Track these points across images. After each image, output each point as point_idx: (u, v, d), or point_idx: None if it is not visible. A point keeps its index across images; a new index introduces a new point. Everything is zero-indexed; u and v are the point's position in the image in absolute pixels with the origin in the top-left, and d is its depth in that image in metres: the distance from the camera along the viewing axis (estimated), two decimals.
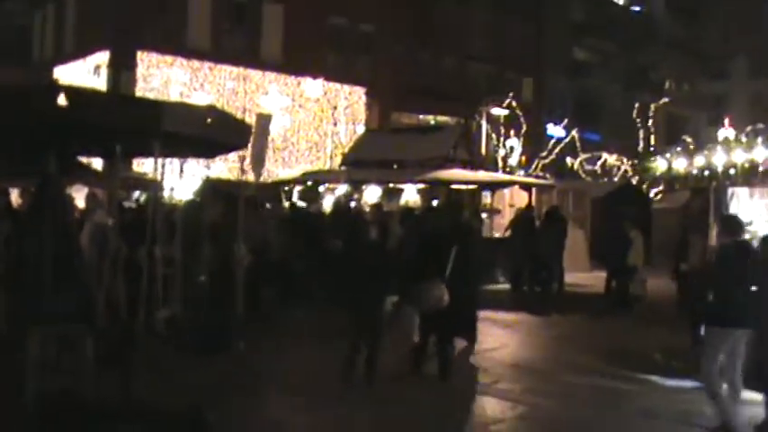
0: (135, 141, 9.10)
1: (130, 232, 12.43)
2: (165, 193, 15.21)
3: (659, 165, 51.42)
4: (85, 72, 37.29)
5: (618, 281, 21.08)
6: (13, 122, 7.98)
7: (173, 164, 13.73)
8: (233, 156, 22.45)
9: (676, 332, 14.83)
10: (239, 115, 32.19)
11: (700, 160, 49.53)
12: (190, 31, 37.69)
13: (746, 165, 45.28)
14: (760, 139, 46.02)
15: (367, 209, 21.69)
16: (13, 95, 7.95)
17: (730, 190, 16.15)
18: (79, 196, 16.29)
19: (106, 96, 14.38)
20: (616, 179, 46.79)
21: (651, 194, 44.10)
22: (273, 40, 40.10)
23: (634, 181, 47.56)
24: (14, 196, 15.41)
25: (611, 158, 49.25)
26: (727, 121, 54.72)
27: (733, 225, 10.11)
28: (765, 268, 9.94)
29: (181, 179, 16.25)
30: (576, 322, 18.94)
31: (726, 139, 51.68)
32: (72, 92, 7.64)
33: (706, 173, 48.13)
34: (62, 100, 7.22)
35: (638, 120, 51.50)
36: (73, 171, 14.52)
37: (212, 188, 20.44)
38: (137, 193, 25.69)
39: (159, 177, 10.73)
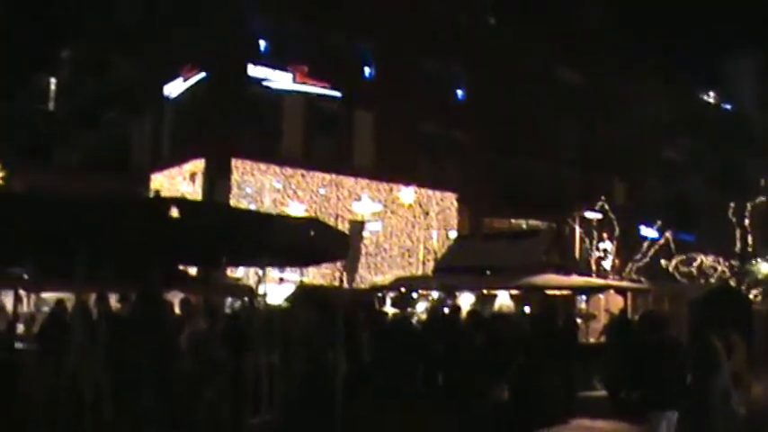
0: (241, 252, 9.23)
1: (228, 339, 12.50)
2: (260, 300, 15.30)
3: (761, 267, 50.19)
4: (181, 179, 38.13)
5: None
6: (125, 233, 8.15)
7: (268, 270, 13.84)
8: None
9: None
10: (332, 221, 32.61)
11: None
12: (283, 139, 38.34)
13: None
14: None
15: (463, 315, 21.51)
16: (127, 207, 8.14)
17: None
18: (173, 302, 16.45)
19: (218, 209, 14.64)
20: (713, 281, 45.74)
21: (751, 296, 42.95)
22: (365, 147, 40.56)
23: (732, 282, 46.46)
24: (113, 301, 15.62)
25: (707, 260, 48.23)
26: None
27: None
28: None
29: (279, 286, 16.38)
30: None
31: None
32: (184, 204, 7.80)
33: None
34: (174, 212, 7.37)
35: (734, 219, 50.51)
36: (172, 278, 14.73)
37: (306, 294, 20.54)
38: (229, 300, 25.89)
39: (255, 285, 10.84)
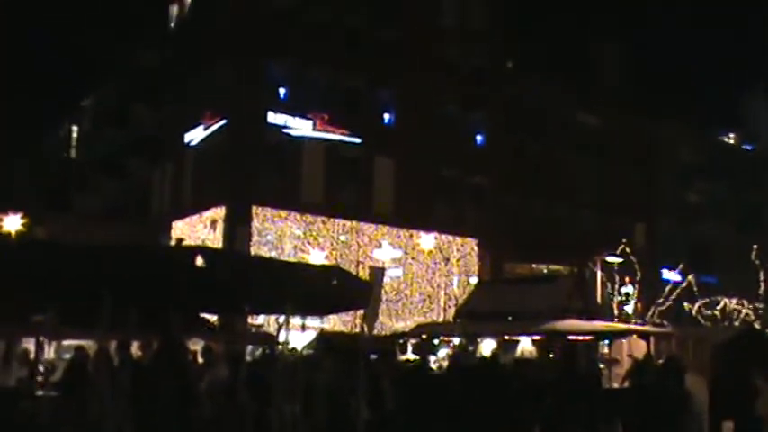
0: (263, 300, 9.25)
1: (250, 386, 12.46)
2: (282, 347, 15.27)
3: None
4: (202, 227, 38.24)
5: None
6: (148, 281, 8.18)
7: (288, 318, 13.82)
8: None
9: None
10: (352, 268, 32.59)
11: None
12: (304, 185, 38.43)
13: None
14: None
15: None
16: (152, 255, 8.18)
17: None
18: (195, 349, 16.44)
19: (240, 257, 14.69)
20: (737, 324, 45.39)
21: None
22: (385, 194, 40.62)
23: (757, 325, 46.08)
24: (134, 349, 15.61)
25: (730, 302, 47.88)
26: None
27: None
28: None
29: (302, 333, 16.33)
30: None
31: None
32: (208, 253, 7.82)
33: None
34: (200, 261, 7.39)
35: (758, 261, 50.19)
36: (193, 325, 14.75)
37: (327, 342, 20.49)
38: (250, 348, 25.84)
39: (276, 332, 10.84)
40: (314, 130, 38.83)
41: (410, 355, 26.77)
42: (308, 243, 37.54)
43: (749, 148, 66.08)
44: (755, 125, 66.99)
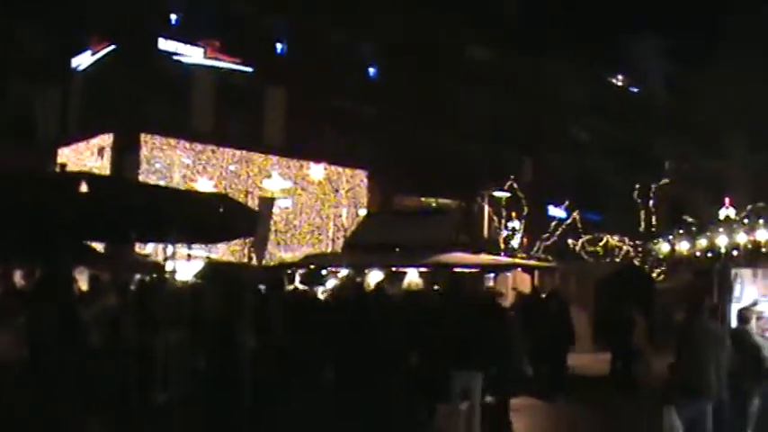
0: (150, 228, 9.21)
1: (136, 315, 12.42)
2: (169, 276, 15.21)
3: (662, 247, 51.36)
4: (89, 154, 37.57)
5: (622, 363, 20.95)
6: (31, 208, 8.07)
7: (175, 246, 13.77)
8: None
9: None
10: (241, 198, 32.46)
11: (702, 242, 49.47)
12: (194, 114, 38.01)
13: (749, 246, 45.25)
14: (762, 221, 46.08)
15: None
16: (34, 181, 8.06)
17: (734, 271, 16.13)
18: (80, 278, 16.26)
19: (127, 185, 14.51)
20: (618, 260, 46.69)
21: (654, 275, 43.92)
22: (276, 124, 40.42)
23: (636, 262, 47.45)
24: (17, 278, 15.38)
25: (612, 239, 49.16)
26: (727, 200, 54.77)
27: None
28: None
29: (189, 263, 16.28)
30: (581, 406, 18.75)
31: (727, 218, 51.72)
32: (93, 180, 7.75)
33: (709, 254, 48.01)
34: (84, 187, 7.31)
35: (639, 200, 51.50)
36: (78, 254, 14.57)
37: (214, 271, 20.44)
38: (137, 276, 25.65)
39: (163, 261, 10.81)
40: (205, 57, 38.34)
41: (298, 286, 26.85)
42: (197, 172, 37.20)
43: (636, 90, 67.52)
44: (642, 68, 68.52)
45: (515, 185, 42.50)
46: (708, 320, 11.78)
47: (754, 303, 13.93)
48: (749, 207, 49.97)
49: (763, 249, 44.23)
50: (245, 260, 17.08)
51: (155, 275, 18.15)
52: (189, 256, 14.32)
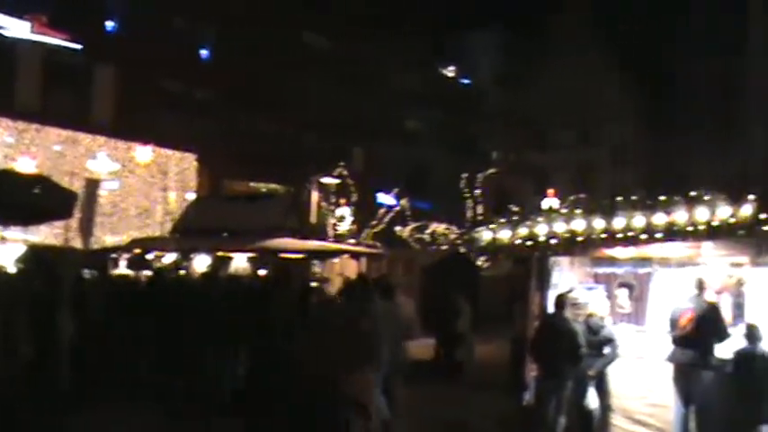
0: None
1: None
2: None
3: (483, 235, 52.60)
4: None
5: (447, 348, 21.52)
6: None
7: None
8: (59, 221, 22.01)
9: (506, 397, 15.36)
10: (66, 179, 31.67)
11: (523, 230, 50.83)
12: (18, 90, 36.86)
13: (567, 234, 46.78)
14: (579, 210, 47.72)
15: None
16: None
17: (552, 259, 16.71)
18: None
19: None
20: (445, 248, 47.61)
21: (478, 263, 45.01)
22: (104, 103, 39.60)
23: (462, 250, 48.48)
24: None
25: (439, 227, 50.08)
26: (552, 191, 56.52)
27: None
28: None
29: (3, 245, 15.87)
30: (405, 390, 19.11)
31: (549, 208, 53.35)
32: None
33: (528, 243, 49.33)
34: None
35: (466, 189, 52.63)
36: None
37: (35, 256, 19.96)
38: None
39: None
40: (31, 32, 37.13)
41: (124, 270, 26.52)
42: (21, 151, 36.07)
43: (467, 81, 69.05)
44: (473, 61, 70.22)
45: (345, 173, 42.87)
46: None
47: (570, 290, 14.60)
48: (571, 198, 51.62)
49: (579, 238, 45.81)
50: (70, 244, 16.74)
51: None
52: (3, 238, 13.97)
